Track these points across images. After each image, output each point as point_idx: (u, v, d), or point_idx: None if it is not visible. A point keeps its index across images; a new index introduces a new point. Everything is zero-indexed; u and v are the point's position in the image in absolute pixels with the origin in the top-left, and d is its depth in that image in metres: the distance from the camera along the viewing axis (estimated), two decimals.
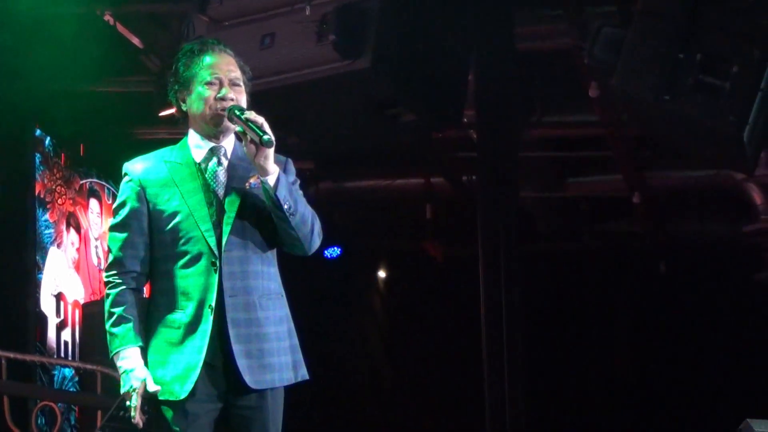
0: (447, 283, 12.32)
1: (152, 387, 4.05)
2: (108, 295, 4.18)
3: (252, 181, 4.11)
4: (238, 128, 4.11)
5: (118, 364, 4.11)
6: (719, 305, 11.43)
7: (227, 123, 4.16)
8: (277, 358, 4.15)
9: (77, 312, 10.92)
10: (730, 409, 7.74)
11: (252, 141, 4.05)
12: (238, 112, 4.10)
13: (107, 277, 4.19)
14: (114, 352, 4.12)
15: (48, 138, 10.81)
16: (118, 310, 4.13)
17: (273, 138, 4.04)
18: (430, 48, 8.48)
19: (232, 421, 4.14)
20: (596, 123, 10.25)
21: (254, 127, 4.04)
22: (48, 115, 10.47)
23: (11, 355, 8.52)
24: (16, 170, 10.28)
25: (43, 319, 10.47)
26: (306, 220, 4.16)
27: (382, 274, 13.94)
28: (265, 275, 4.17)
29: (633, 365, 12.53)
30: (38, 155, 10.65)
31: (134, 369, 4.07)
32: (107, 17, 8.88)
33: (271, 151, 4.06)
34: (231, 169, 4.20)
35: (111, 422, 7.21)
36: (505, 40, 9.25)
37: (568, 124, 10.58)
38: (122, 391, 4.10)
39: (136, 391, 4.05)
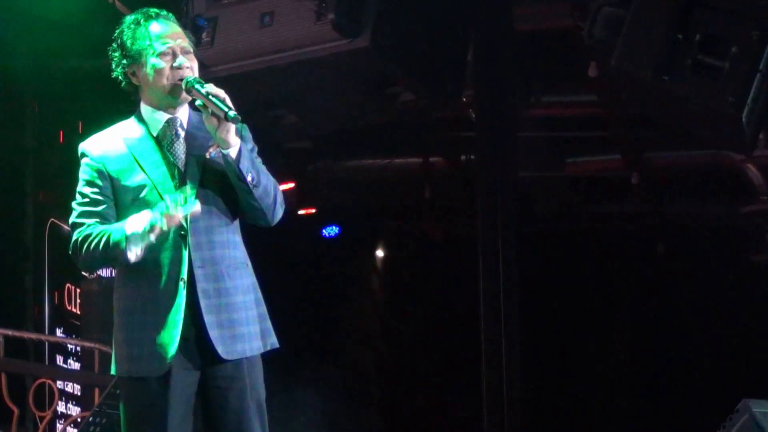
0: (445, 262, 12.30)
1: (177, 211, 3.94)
2: (74, 242, 4.09)
3: (212, 150, 4.05)
4: (198, 102, 4.05)
5: (132, 230, 3.96)
6: (717, 286, 11.41)
7: (185, 94, 4.10)
8: (246, 327, 4.13)
9: (76, 290, 10.92)
10: (729, 389, 7.74)
11: (214, 114, 3.99)
12: (197, 86, 4.03)
13: (73, 235, 4.10)
14: (123, 236, 3.97)
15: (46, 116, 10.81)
16: (91, 231, 4.04)
17: (238, 114, 3.98)
18: (430, 27, 8.46)
19: (210, 393, 4.12)
20: (595, 103, 10.25)
21: (218, 102, 3.98)
22: (46, 93, 10.46)
23: (9, 332, 8.54)
24: (14, 148, 10.28)
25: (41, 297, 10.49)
26: (269, 191, 4.12)
27: (380, 253, 13.93)
28: (231, 244, 4.14)
29: (631, 345, 12.53)
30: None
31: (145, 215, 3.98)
32: None
33: (233, 125, 4.00)
34: (189, 139, 4.16)
35: (109, 400, 7.22)
36: (504, 19, 9.23)
37: (567, 104, 10.56)
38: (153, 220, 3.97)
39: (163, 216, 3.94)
